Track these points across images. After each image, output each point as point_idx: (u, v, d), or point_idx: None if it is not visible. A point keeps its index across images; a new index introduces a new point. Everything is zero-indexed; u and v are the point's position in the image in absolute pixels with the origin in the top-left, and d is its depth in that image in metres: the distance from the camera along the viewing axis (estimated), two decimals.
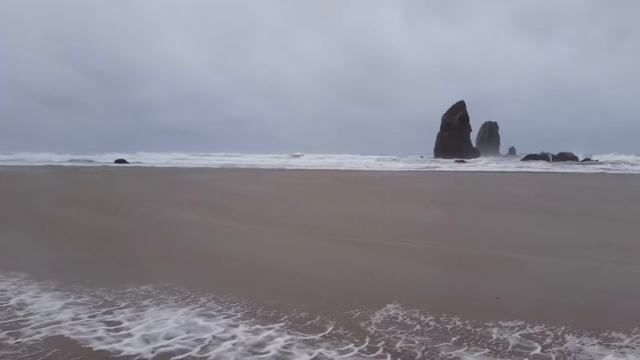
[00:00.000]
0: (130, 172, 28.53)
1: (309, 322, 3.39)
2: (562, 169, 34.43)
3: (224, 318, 3.47)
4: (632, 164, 40.43)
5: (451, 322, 3.37)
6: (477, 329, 3.24)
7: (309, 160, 50.11)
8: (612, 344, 2.99)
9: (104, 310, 3.62)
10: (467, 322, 3.37)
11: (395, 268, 5.09)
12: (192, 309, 3.66)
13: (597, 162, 47.12)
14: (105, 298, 3.92)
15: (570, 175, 26.14)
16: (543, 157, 54.19)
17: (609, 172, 30.64)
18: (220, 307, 3.71)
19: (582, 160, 50.03)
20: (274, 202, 12.22)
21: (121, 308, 3.67)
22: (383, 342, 3.03)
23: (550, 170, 32.14)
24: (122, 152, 64.09)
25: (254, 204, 11.38)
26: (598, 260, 5.44)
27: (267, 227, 7.74)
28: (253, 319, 3.45)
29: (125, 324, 3.35)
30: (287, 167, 37.05)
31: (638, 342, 3.01)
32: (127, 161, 45.86)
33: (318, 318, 3.47)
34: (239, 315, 3.54)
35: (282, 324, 3.36)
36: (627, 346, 2.95)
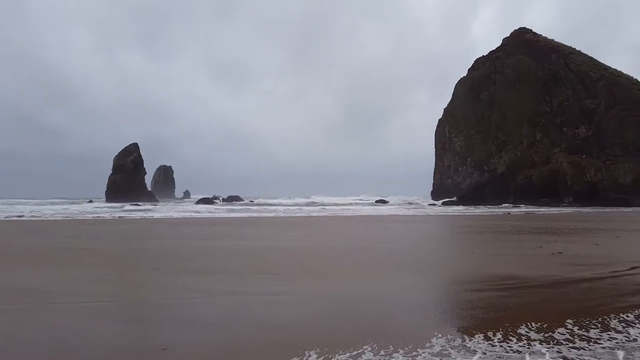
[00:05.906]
0: None
1: None
2: (226, 213, 38.86)
3: None
4: (281, 205, 51.56)
5: None
6: None
7: None
8: None
9: None
10: None
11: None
12: None
13: (258, 204, 55.48)
14: None
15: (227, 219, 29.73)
16: (214, 199, 59.70)
17: (260, 214, 36.72)
18: None
19: (248, 202, 58.53)
20: None
21: None
22: None
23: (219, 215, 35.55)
24: None
25: None
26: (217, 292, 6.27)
27: None
28: None
29: None
30: None
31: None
32: None
33: None
34: None
35: None
36: None
